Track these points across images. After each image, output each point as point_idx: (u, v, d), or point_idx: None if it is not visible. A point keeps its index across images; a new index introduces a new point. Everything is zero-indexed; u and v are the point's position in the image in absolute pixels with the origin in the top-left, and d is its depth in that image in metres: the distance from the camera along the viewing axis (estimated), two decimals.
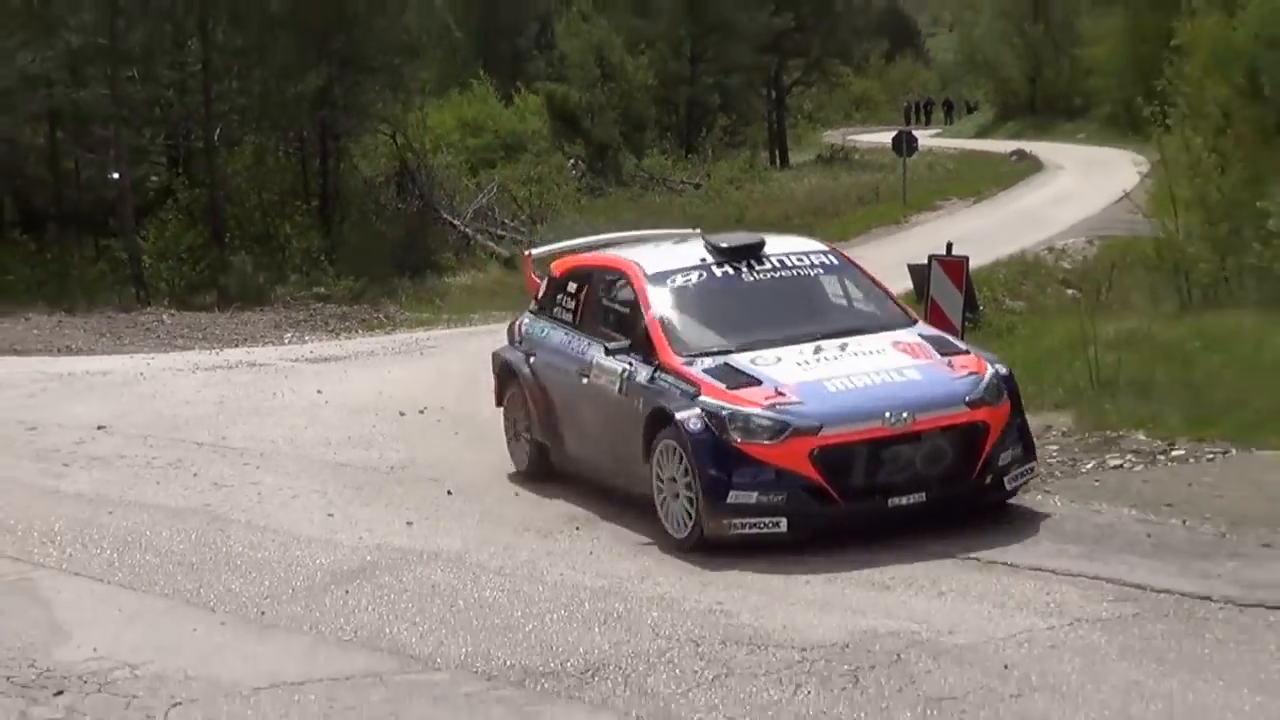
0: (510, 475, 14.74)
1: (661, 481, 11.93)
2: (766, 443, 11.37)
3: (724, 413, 11.53)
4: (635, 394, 12.46)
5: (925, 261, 16.45)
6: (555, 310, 14.28)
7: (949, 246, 17.08)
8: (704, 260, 13.13)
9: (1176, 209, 24.10)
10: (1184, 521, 11.48)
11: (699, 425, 11.52)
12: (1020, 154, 64.01)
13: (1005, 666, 9.04)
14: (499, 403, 15.00)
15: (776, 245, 13.42)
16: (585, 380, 13.22)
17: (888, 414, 11.37)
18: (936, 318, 15.27)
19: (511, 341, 14.97)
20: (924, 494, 11.44)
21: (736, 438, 11.44)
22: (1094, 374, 15.75)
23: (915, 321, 13.07)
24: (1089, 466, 13.32)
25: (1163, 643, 9.28)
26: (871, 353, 12.12)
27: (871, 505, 11.44)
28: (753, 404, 11.53)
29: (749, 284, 12.93)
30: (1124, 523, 11.64)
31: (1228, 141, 24.22)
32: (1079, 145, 66.43)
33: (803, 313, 12.77)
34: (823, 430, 11.32)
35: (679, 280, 12.96)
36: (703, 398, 11.73)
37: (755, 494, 11.29)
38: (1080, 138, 70.26)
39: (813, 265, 13.20)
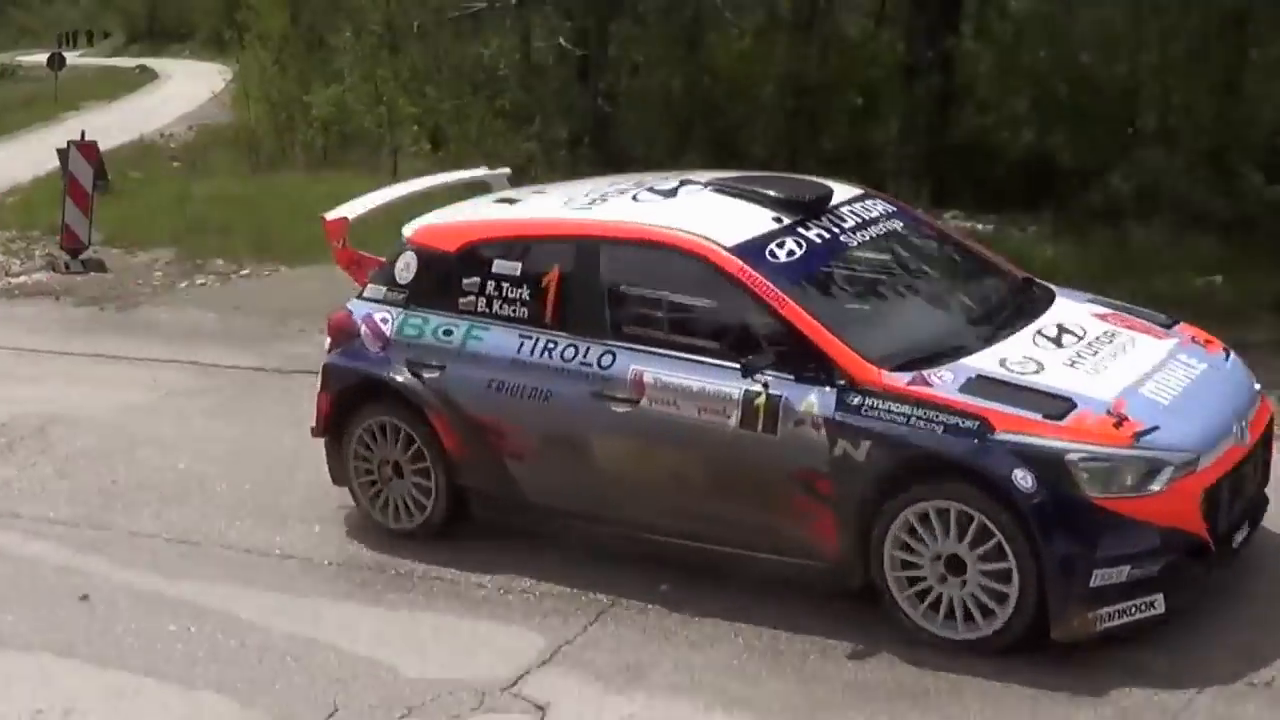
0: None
1: (910, 567, 5.77)
2: (1141, 493, 5.54)
3: (1071, 456, 5.49)
4: (800, 430, 5.85)
5: (66, 146, 15.76)
6: (469, 302, 6.75)
7: (83, 134, 16.41)
8: (781, 221, 6.40)
9: (250, 104, 24.45)
10: (247, 318, 11.64)
11: (1031, 483, 5.46)
12: (142, 68, 61.79)
13: (118, 428, 9.03)
14: (324, 433, 7.17)
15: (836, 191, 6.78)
16: (621, 407, 6.23)
17: (1234, 425, 5.93)
18: (75, 190, 14.63)
19: (362, 346, 7.02)
20: (1249, 526, 6.11)
21: (1094, 491, 5.48)
22: (189, 220, 15.79)
23: (1025, 276, 6.96)
24: (183, 285, 13.25)
25: (232, 403, 9.45)
26: (1108, 337, 6.27)
27: (1228, 552, 5.93)
28: (1103, 438, 5.57)
29: (858, 251, 6.53)
30: (206, 321, 11.68)
31: (285, 55, 24.41)
32: (184, 61, 64.72)
33: (945, 285, 6.70)
34: (1200, 463, 5.66)
35: (782, 254, 6.21)
36: (1008, 435, 5.56)
37: (1127, 568, 5.49)
38: (185, 55, 68.42)
39: (889, 216, 6.80)
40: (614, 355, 6.32)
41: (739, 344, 6.03)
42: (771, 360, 5.91)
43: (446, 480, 6.86)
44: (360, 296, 7.19)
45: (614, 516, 6.41)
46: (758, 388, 5.93)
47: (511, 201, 7.27)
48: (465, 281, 6.81)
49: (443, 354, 6.81)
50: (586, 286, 6.46)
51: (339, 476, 7.22)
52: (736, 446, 5.97)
